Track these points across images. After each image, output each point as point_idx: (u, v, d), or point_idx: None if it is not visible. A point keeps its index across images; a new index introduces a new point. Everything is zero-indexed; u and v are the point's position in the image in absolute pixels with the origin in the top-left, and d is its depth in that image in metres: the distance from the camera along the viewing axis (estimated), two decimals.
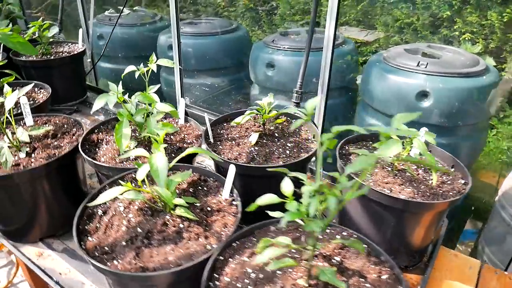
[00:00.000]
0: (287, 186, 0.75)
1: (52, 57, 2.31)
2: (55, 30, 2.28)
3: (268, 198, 0.75)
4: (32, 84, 1.44)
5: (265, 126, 1.47)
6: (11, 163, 1.24)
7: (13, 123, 1.35)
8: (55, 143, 1.41)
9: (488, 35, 3.26)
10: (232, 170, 1.09)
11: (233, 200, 1.11)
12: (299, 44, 2.67)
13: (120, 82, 1.37)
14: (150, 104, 1.35)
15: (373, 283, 0.87)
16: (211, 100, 3.31)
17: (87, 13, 2.74)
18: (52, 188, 1.34)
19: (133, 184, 1.15)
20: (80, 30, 2.46)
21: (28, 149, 1.36)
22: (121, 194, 0.93)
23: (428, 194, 1.21)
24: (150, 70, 1.39)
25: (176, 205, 1.03)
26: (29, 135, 1.34)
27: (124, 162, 1.32)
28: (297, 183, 1.44)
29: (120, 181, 1.09)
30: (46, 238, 1.41)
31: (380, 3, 3.79)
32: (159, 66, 3.66)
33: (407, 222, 1.24)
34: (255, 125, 1.54)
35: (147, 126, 1.24)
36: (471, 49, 3.29)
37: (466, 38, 3.33)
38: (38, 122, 1.55)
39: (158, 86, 1.35)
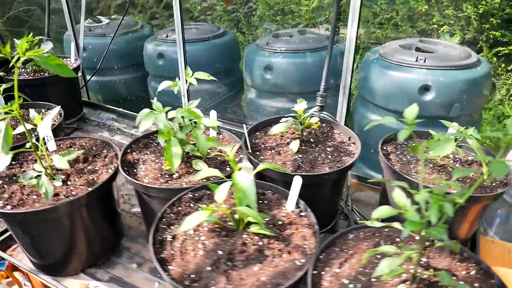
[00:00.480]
0: (400, 196, 0.75)
1: (46, 75, 2.19)
2: (48, 45, 2.16)
3: (384, 211, 0.75)
4: (58, 108, 1.35)
5: (302, 133, 1.47)
6: (52, 194, 1.16)
7: (43, 150, 1.26)
8: (89, 167, 1.34)
9: (465, 26, 3.43)
10: (298, 182, 1.08)
11: (301, 211, 1.10)
12: (295, 45, 2.69)
13: (155, 98, 1.31)
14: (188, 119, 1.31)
15: (464, 280, 0.90)
16: (211, 107, 3.27)
17: (75, 26, 2.61)
18: (92, 214, 1.27)
19: (200, 204, 1.12)
20: (72, 44, 2.34)
21: (63, 176, 1.28)
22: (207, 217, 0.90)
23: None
24: (188, 84, 1.34)
25: (249, 222, 1.01)
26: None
27: (169, 182, 1.27)
28: (337, 188, 1.46)
29: (199, 204, 1.07)
30: (86, 268, 1.34)
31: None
32: (146, 74, 3.54)
33: (456, 216, 1.28)
34: (287, 132, 1.53)
35: (196, 142, 1.21)
36: (450, 41, 3.45)
37: (445, 31, 3.48)
38: (61, 146, 1.46)
39: (198, 100, 1.31)
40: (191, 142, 1.36)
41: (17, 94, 1.13)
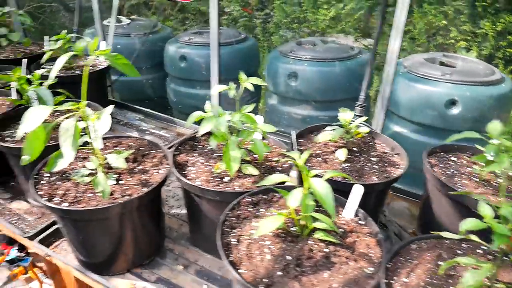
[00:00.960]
0: (487, 210, 0.77)
1: (77, 72, 2.19)
2: (83, 43, 2.15)
3: (472, 223, 0.77)
4: (112, 106, 1.35)
5: (347, 142, 1.49)
6: (109, 192, 1.16)
7: (96, 148, 1.27)
8: (139, 167, 1.34)
9: (481, 42, 3.48)
10: (359, 191, 1.10)
11: (359, 219, 1.12)
12: (321, 54, 2.72)
13: (207, 102, 1.33)
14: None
15: None
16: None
17: (103, 24, 2.61)
18: (143, 214, 1.27)
19: (258, 208, 1.13)
20: (103, 43, 2.35)
21: (115, 175, 1.28)
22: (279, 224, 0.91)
23: None
24: (244, 88, 1.36)
25: (315, 229, 1.02)
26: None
27: (220, 185, 1.28)
28: (381, 198, 1.47)
29: (275, 210, 1.10)
30: (132, 268, 1.34)
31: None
32: (165, 75, 3.53)
33: None
34: (329, 140, 1.54)
35: (253, 147, 1.22)
36: (467, 56, 3.50)
37: (461, 46, 3.53)
38: (108, 145, 1.47)
39: (254, 105, 1.32)
40: (242, 147, 1.37)
41: (85, 92, 1.13)
